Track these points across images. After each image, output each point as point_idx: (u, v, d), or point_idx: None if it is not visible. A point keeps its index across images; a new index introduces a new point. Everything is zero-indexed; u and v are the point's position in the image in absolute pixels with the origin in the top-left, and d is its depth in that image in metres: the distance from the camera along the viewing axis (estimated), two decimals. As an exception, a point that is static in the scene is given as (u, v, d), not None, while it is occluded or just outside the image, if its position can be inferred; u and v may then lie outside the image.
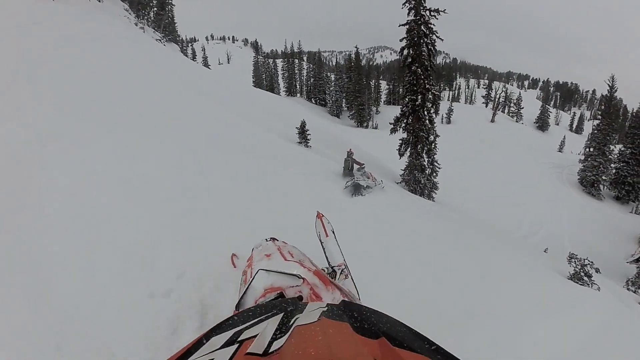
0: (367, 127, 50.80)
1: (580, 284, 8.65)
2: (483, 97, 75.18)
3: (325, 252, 2.82)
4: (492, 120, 59.66)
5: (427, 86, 17.25)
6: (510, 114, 72.79)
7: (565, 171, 36.01)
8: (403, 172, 18.90)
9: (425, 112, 17.63)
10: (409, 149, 18.34)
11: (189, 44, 77.34)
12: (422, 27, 17.18)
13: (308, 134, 13.88)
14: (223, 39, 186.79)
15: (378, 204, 8.99)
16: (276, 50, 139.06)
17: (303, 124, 13.87)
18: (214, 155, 6.59)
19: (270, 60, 70.38)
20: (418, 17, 17.16)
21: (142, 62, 12.85)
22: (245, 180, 6.05)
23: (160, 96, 9.54)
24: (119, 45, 13.12)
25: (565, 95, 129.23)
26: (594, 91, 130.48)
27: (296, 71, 62.67)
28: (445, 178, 20.16)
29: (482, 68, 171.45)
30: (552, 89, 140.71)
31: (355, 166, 10.74)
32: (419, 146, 17.94)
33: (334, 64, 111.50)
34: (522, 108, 70.00)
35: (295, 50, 66.36)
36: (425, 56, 17.23)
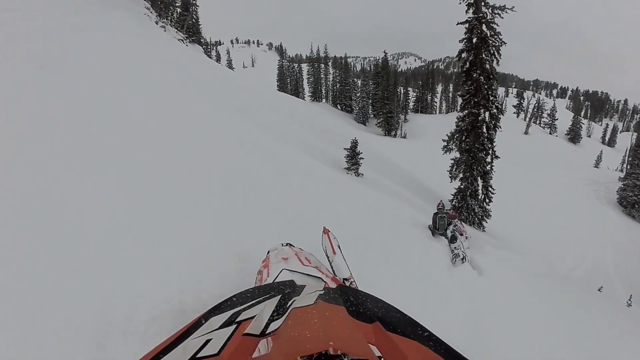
0: (395, 135, 47.55)
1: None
2: (514, 106, 70.73)
3: (332, 267, 2.71)
4: (526, 132, 55.27)
5: (491, 98, 14.21)
6: (543, 125, 68.44)
7: (602, 189, 33.45)
8: (453, 197, 15.88)
9: (485, 129, 14.58)
10: (463, 171, 15.29)
11: (214, 47, 75.56)
12: (484, 26, 14.18)
13: (360, 158, 11.01)
14: (248, 42, 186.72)
15: (492, 276, 6.35)
16: (300, 54, 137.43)
17: (354, 145, 11.14)
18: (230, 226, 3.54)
19: (295, 65, 67.88)
20: (481, 15, 14.15)
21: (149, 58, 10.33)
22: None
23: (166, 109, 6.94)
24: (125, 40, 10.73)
25: (595, 105, 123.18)
26: (625, 101, 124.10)
27: (322, 76, 59.89)
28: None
29: (508, 76, 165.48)
30: (581, 98, 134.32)
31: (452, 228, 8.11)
32: (476, 169, 14.90)
33: (358, 69, 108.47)
34: (557, 119, 65.69)
35: (321, 55, 63.43)
36: (489, 61, 14.16)
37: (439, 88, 75.06)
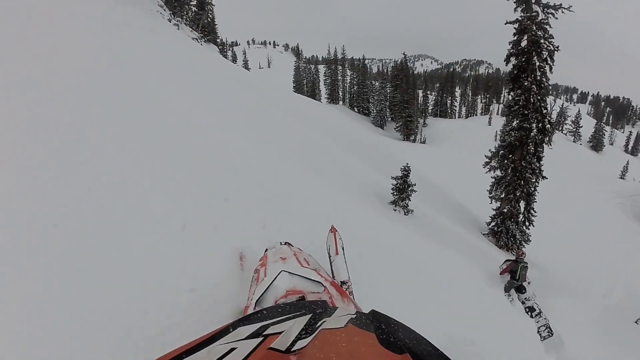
0: (414, 140, 45.54)
1: None
2: (536, 111, 68.15)
3: (331, 267, 2.68)
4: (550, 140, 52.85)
5: (544, 110, 12.31)
6: (566, 132, 65.31)
7: (629, 202, 30.99)
8: (492, 220, 14.01)
9: (532, 146, 12.65)
10: (505, 192, 13.39)
11: (230, 47, 74.33)
12: (535, 27, 12.27)
13: (412, 190, 9.02)
14: (264, 43, 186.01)
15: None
16: (316, 56, 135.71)
17: (406, 172, 8.85)
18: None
19: (312, 66, 66.30)
20: (533, 14, 12.25)
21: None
22: None
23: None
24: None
25: (617, 111, 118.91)
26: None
27: (339, 78, 58.09)
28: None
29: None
30: (602, 103, 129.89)
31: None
32: (520, 190, 13.00)
33: (374, 71, 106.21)
34: (582, 127, 62.73)
35: (339, 56, 61.50)
36: (542, 68, 12.23)
37: (457, 92, 72.53)
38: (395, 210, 8.68)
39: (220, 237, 3.04)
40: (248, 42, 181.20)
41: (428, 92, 63.27)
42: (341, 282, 2.46)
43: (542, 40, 12.14)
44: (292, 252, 2.21)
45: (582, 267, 16.13)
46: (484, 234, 14.05)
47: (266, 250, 2.42)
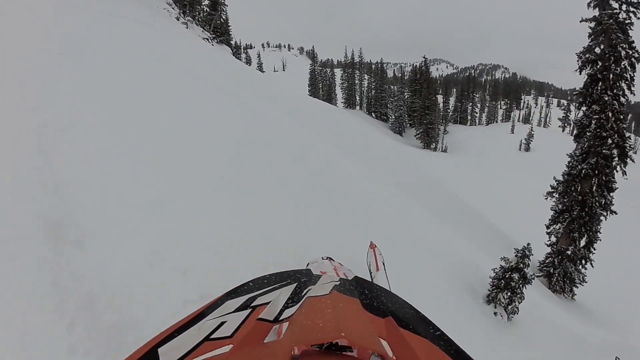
0: (435, 149, 42.91)
1: None
2: (560, 119, 64.52)
3: None
4: None
5: (624, 132, 9.84)
6: None
7: None
8: (547, 258, 11.58)
9: (602, 175, 10.18)
10: (569, 229, 10.92)
11: (245, 50, 72.40)
12: (616, 28, 9.83)
13: (527, 282, 5.49)
14: (279, 46, 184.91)
15: None
16: (331, 59, 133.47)
17: (525, 253, 5.35)
18: None
19: (327, 70, 64.00)
20: (614, 11, 9.80)
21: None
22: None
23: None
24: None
25: (639, 117, 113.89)
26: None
27: (356, 82, 55.62)
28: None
29: (545, 85, 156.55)
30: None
31: None
32: (585, 226, 10.56)
33: (390, 76, 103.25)
34: (610, 135, 59.31)
35: (356, 60, 58.86)
36: (625, 79, 9.74)
37: (477, 97, 69.41)
38: (496, 317, 5.26)
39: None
40: (263, 45, 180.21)
41: (450, 97, 60.23)
42: None
43: (624, 46, 9.66)
44: (333, 267, 2.23)
45: (623, 300, 13.42)
46: (537, 276, 11.67)
47: (308, 264, 2.41)
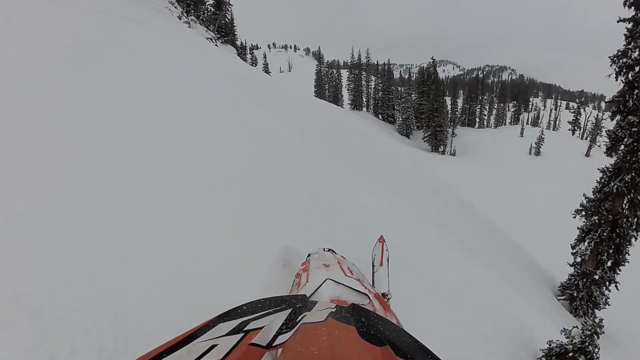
0: (443, 152, 41.89)
1: None
2: (570, 122, 62.85)
3: (373, 277, 2.62)
4: (587, 155, 46.80)
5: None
6: (600, 144, 59.24)
7: None
8: (569, 281, 10.63)
9: (638, 194, 9.20)
10: (597, 252, 9.96)
11: (251, 51, 71.73)
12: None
13: None
14: (285, 47, 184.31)
15: None
16: (338, 60, 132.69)
17: (595, 330, 4.43)
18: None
19: (334, 71, 63.17)
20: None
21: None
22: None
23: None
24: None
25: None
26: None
27: (363, 83, 54.71)
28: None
29: (552, 87, 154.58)
30: None
31: None
32: (615, 250, 9.63)
33: (396, 77, 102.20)
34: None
35: (363, 61, 57.85)
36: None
37: (486, 99, 68.19)
38: None
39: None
40: (269, 46, 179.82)
41: (457, 99, 59.11)
42: (382, 293, 2.33)
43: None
44: (336, 260, 2.07)
45: None
46: (559, 299, 10.74)
47: (309, 255, 2.31)
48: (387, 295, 2.37)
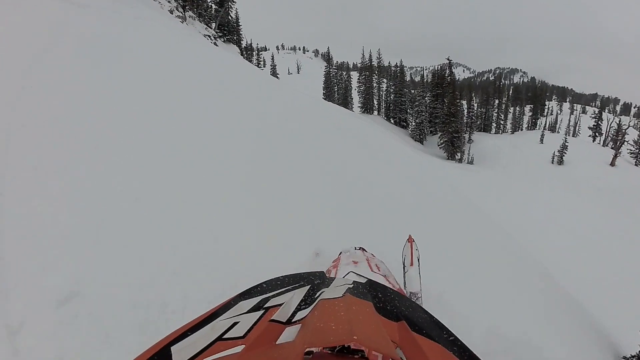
0: (460, 160, 39.12)
1: None
2: (591, 128, 59.38)
3: (404, 277, 2.64)
4: (612, 164, 42.21)
5: None
6: (629, 153, 54.55)
7: None
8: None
9: None
10: None
11: (259, 53, 69.62)
12: None
13: None
14: (293, 49, 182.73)
15: None
16: (347, 62, 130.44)
17: None
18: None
19: (343, 72, 60.73)
20: None
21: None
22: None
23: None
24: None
25: None
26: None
27: (374, 85, 52.11)
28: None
29: (566, 90, 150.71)
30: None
31: None
32: None
33: (407, 79, 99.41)
34: (647, 146, 53.66)
35: (374, 63, 54.95)
36: None
37: (503, 103, 65.07)
38: None
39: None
40: (277, 47, 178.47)
41: (473, 103, 56.17)
42: (411, 292, 2.41)
43: None
44: (365, 257, 2.23)
45: None
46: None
47: (340, 253, 2.45)
48: (417, 294, 2.38)
